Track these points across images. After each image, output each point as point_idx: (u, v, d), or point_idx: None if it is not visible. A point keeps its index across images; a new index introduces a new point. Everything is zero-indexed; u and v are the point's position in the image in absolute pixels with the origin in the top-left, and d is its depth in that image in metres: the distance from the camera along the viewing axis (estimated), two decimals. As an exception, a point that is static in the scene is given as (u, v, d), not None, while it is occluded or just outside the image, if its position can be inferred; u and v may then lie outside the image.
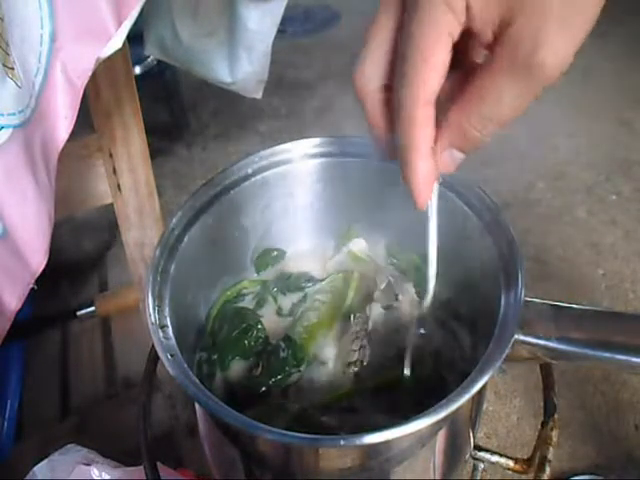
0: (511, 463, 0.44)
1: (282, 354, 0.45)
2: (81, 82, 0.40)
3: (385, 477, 0.36)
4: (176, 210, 0.43)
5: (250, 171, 0.47)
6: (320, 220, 0.52)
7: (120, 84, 0.66)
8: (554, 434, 0.43)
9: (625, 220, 1.57)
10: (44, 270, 0.47)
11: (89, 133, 0.70)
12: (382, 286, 0.47)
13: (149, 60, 1.65)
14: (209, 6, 0.76)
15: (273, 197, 0.49)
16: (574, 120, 1.91)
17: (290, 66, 2.34)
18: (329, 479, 0.36)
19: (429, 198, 0.30)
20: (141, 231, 0.79)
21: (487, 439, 1.13)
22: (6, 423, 1.03)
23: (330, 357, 0.45)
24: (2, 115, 0.42)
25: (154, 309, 0.38)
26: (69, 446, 0.60)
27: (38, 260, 0.47)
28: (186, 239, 0.43)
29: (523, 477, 0.44)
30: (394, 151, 0.29)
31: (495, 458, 0.45)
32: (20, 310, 0.50)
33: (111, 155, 0.71)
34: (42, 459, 0.58)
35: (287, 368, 0.44)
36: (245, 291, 0.50)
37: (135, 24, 0.41)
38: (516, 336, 0.33)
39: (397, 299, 0.46)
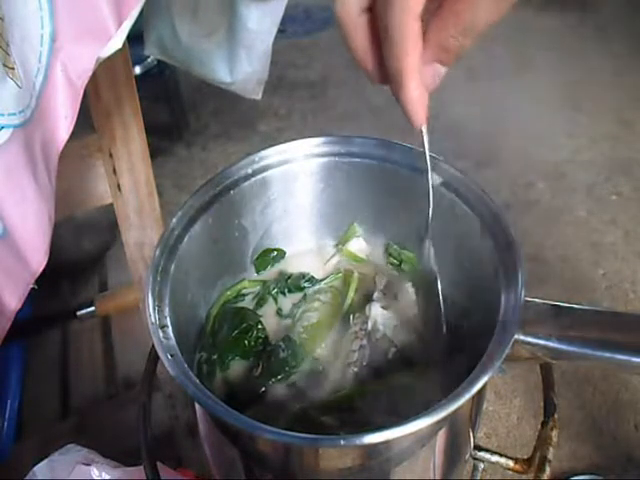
0: (511, 463, 0.44)
1: (282, 354, 0.45)
2: (81, 82, 0.40)
3: (385, 477, 0.36)
4: (176, 210, 0.43)
5: (250, 171, 0.47)
6: (320, 220, 0.52)
7: (120, 84, 0.66)
8: (554, 434, 0.43)
9: (625, 220, 1.57)
10: (44, 270, 0.47)
11: (89, 133, 0.70)
12: (381, 286, 0.47)
13: (149, 60, 1.65)
14: (209, 6, 0.76)
15: (273, 197, 0.49)
16: (574, 120, 1.91)
17: (290, 66, 2.34)
18: (329, 479, 0.36)
19: (424, 116, 0.30)
20: (141, 231, 0.79)
21: (487, 439, 1.13)
22: (6, 423, 1.03)
23: (330, 357, 0.45)
24: (2, 115, 0.42)
25: (154, 309, 0.38)
26: (69, 446, 0.60)
27: (38, 260, 0.47)
28: (186, 239, 0.43)
29: (523, 477, 0.44)
30: (382, 74, 0.30)
31: (495, 458, 0.45)
32: (20, 310, 0.50)
33: (111, 155, 0.71)
34: (42, 459, 0.58)
35: (287, 368, 0.44)
36: (245, 291, 0.50)
37: (135, 24, 0.41)
38: (516, 336, 0.34)
39: (396, 299, 0.46)
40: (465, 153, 1.70)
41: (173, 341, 0.36)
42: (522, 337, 0.34)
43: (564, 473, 1.06)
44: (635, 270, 1.43)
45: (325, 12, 2.75)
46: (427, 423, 0.30)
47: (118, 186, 0.74)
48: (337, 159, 0.48)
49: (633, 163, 1.74)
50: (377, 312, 0.45)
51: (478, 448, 0.45)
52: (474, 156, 1.70)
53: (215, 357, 0.45)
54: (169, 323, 0.37)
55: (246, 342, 0.46)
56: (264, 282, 0.51)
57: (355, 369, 0.43)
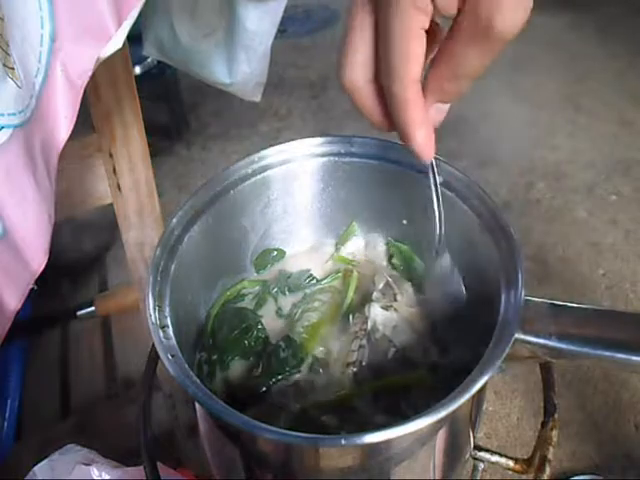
0: (511, 463, 0.44)
1: (282, 354, 0.45)
2: (81, 82, 0.40)
3: (385, 477, 0.36)
4: (176, 210, 0.43)
5: (250, 171, 0.47)
6: (320, 220, 0.52)
7: (120, 84, 0.66)
8: (554, 434, 0.43)
9: (625, 220, 1.57)
10: (44, 270, 0.47)
11: (89, 133, 0.70)
12: (381, 286, 0.47)
13: (149, 60, 1.65)
14: (208, 6, 0.76)
15: (273, 197, 0.49)
16: (574, 120, 1.91)
17: (290, 66, 2.34)
18: (329, 479, 0.36)
19: (432, 152, 0.33)
20: (141, 231, 0.79)
21: (487, 439, 1.13)
22: (6, 423, 1.03)
23: (330, 357, 0.45)
24: (2, 115, 0.42)
25: (154, 309, 0.38)
26: (69, 446, 0.60)
27: (38, 260, 0.47)
28: (186, 239, 0.43)
29: (523, 477, 0.44)
30: (390, 125, 0.33)
31: (495, 458, 0.45)
32: (20, 310, 0.50)
33: (111, 155, 0.71)
34: (42, 459, 0.58)
35: (287, 368, 0.44)
36: (245, 291, 0.50)
37: (135, 24, 0.41)
38: (516, 335, 0.34)
39: (396, 299, 0.46)
40: (465, 153, 1.70)
41: (173, 341, 0.36)
42: (522, 336, 0.34)
43: (564, 473, 1.06)
44: (635, 270, 1.43)
45: (325, 12, 2.75)
46: (427, 423, 0.30)
47: (118, 186, 0.74)
48: (337, 159, 0.48)
49: (633, 163, 1.74)
50: (376, 312, 0.45)
51: (478, 448, 0.45)
52: (474, 156, 1.70)
53: (215, 357, 0.45)
54: (169, 323, 0.37)
55: (246, 342, 0.46)
56: (264, 282, 0.51)
57: (355, 369, 0.43)
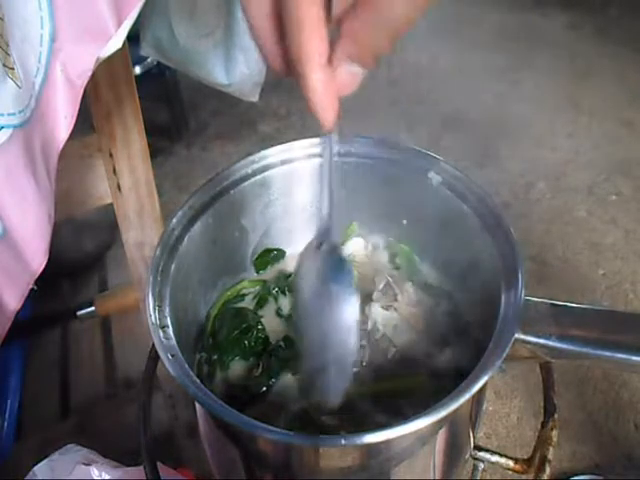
0: (511, 463, 0.44)
1: (282, 354, 0.45)
2: (81, 82, 0.40)
3: (385, 477, 0.36)
4: (176, 210, 0.43)
5: (250, 171, 0.47)
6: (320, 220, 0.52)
7: (120, 84, 0.66)
8: (554, 434, 0.43)
9: (625, 220, 1.57)
10: (44, 270, 0.47)
11: (89, 133, 0.70)
12: (381, 286, 0.47)
13: (149, 60, 1.65)
14: (206, 7, 0.76)
15: (273, 197, 0.49)
16: (574, 120, 1.91)
17: (290, 66, 2.34)
18: (329, 479, 0.36)
19: (333, 117, 0.28)
20: (141, 231, 0.79)
21: (487, 439, 1.13)
22: (6, 423, 1.03)
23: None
24: (2, 115, 0.42)
25: (154, 309, 0.38)
26: (69, 446, 0.60)
27: (38, 260, 0.47)
28: (186, 239, 0.43)
29: (523, 477, 0.44)
30: (287, 66, 0.28)
31: (495, 458, 0.45)
32: (20, 310, 0.50)
33: (111, 155, 0.71)
34: (42, 459, 0.58)
35: (287, 368, 0.44)
36: (245, 291, 0.50)
37: (135, 24, 0.41)
38: (516, 335, 0.34)
39: (396, 299, 0.46)
40: (465, 153, 1.70)
41: (173, 341, 0.36)
42: (522, 336, 0.34)
43: (564, 473, 1.06)
44: (635, 270, 1.43)
45: (325, 12, 2.75)
46: (427, 423, 0.30)
47: (118, 186, 0.74)
48: (337, 159, 0.48)
49: (633, 163, 1.74)
50: (377, 312, 0.45)
51: (478, 448, 0.45)
52: (474, 156, 1.70)
53: (215, 357, 0.45)
54: (169, 323, 0.37)
55: (246, 342, 0.46)
56: (264, 282, 0.51)
57: (355, 369, 0.43)
